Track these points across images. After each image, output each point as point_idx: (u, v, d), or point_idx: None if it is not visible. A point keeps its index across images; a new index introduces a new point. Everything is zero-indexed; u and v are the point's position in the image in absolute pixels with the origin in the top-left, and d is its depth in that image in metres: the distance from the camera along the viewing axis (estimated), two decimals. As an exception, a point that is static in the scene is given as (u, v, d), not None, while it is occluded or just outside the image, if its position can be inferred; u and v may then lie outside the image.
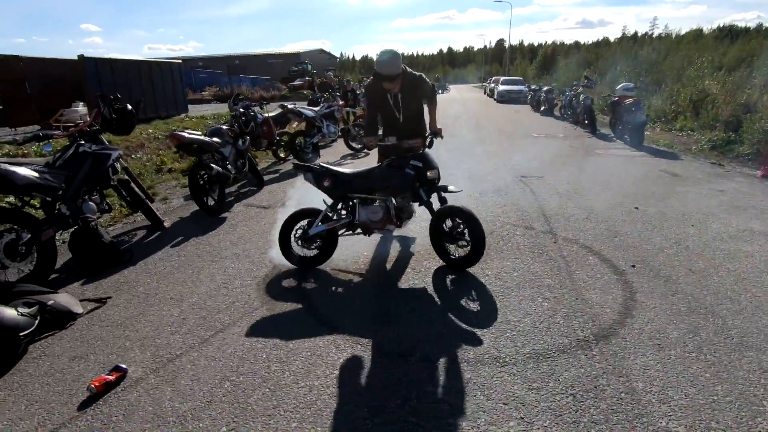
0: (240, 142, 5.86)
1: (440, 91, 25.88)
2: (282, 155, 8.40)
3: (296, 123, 9.40)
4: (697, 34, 32.08)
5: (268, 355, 2.42)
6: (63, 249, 3.88)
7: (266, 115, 7.54)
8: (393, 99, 3.68)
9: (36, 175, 3.37)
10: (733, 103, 9.59)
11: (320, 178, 3.47)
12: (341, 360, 2.37)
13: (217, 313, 2.90)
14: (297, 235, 3.52)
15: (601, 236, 4.06)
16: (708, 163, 7.31)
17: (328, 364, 2.33)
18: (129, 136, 9.44)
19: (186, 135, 4.85)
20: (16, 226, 3.30)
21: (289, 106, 8.30)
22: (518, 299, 2.94)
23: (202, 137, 5.11)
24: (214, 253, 3.93)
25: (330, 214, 3.46)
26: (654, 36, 36.39)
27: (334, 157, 8.46)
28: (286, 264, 3.54)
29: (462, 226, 3.27)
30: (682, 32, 35.34)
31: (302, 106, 8.49)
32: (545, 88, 16.28)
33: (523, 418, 1.91)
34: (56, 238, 3.61)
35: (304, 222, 3.52)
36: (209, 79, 33.16)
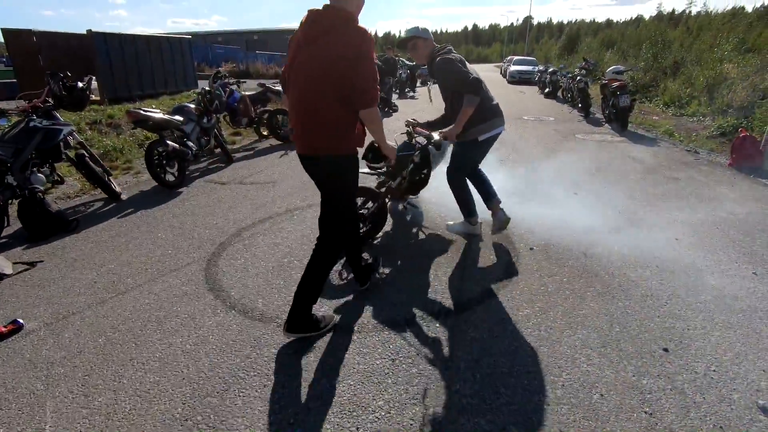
0: (205, 120, 6.11)
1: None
2: (264, 133, 8.62)
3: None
4: (736, 12, 30.04)
5: (149, 316, 2.70)
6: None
7: (243, 93, 7.74)
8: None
9: (-17, 147, 3.70)
10: (750, 88, 9.08)
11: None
12: (211, 323, 2.62)
13: (127, 278, 3.19)
14: None
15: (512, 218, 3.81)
16: (684, 151, 7.14)
17: (197, 326, 2.59)
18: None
19: (142, 112, 5.11)
20: (-34, 194, 3.65)
21: (268, 85, 8.46)
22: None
23: (160, 114, 5.36)
24: (152, 223, 4.23)
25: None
26: (691, 14, 34.30)
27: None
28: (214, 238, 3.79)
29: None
30: (720, 10, 33.25)
31: (283, 85, 8.64)
32: (550, 69, 15.83)
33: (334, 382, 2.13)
34: (7, 205, 3.96)
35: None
36: (226, 54, 33.54)
